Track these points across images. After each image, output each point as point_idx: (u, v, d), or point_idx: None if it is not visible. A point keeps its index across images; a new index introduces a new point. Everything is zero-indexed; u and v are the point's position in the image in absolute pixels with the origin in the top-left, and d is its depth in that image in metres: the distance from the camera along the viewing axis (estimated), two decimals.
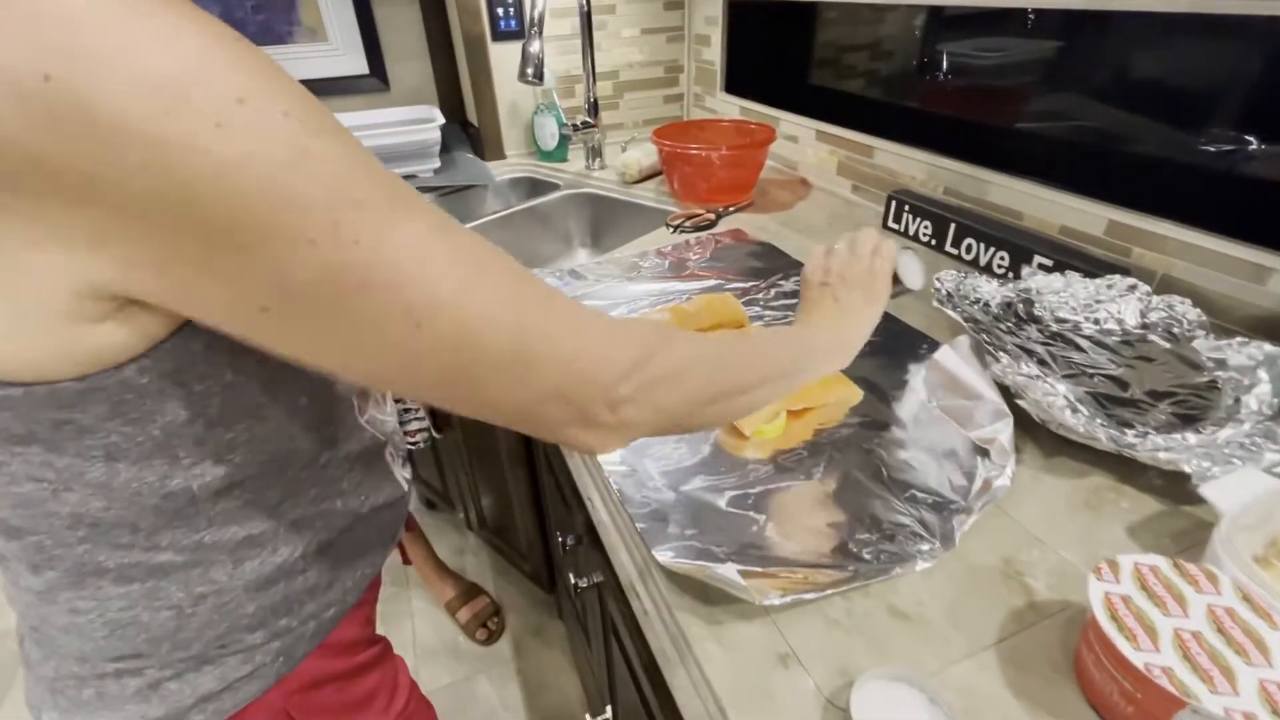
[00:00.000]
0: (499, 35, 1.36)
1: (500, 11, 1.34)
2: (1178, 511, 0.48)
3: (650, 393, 0.33)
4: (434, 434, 1.30)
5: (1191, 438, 0.47)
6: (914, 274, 0.58)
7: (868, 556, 0.45)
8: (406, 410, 1.24)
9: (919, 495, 0.50)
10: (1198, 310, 0.65)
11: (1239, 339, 0.59)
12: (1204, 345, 0.62)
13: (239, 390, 0.34)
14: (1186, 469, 0.46)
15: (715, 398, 0.37)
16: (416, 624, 1.42)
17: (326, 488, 0.43)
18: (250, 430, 0.36)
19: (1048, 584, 0.43)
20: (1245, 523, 0.39)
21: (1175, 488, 0.50)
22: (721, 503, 0.51)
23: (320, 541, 0.43)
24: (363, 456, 0.46)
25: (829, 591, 0.42)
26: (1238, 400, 0.52)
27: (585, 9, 1.25)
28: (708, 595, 0.43)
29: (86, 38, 0.21)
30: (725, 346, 0.39)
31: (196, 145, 0.22)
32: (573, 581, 0.70)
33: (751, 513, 0.49)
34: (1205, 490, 0.42)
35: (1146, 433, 0.51)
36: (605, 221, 1.35)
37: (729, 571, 0.41)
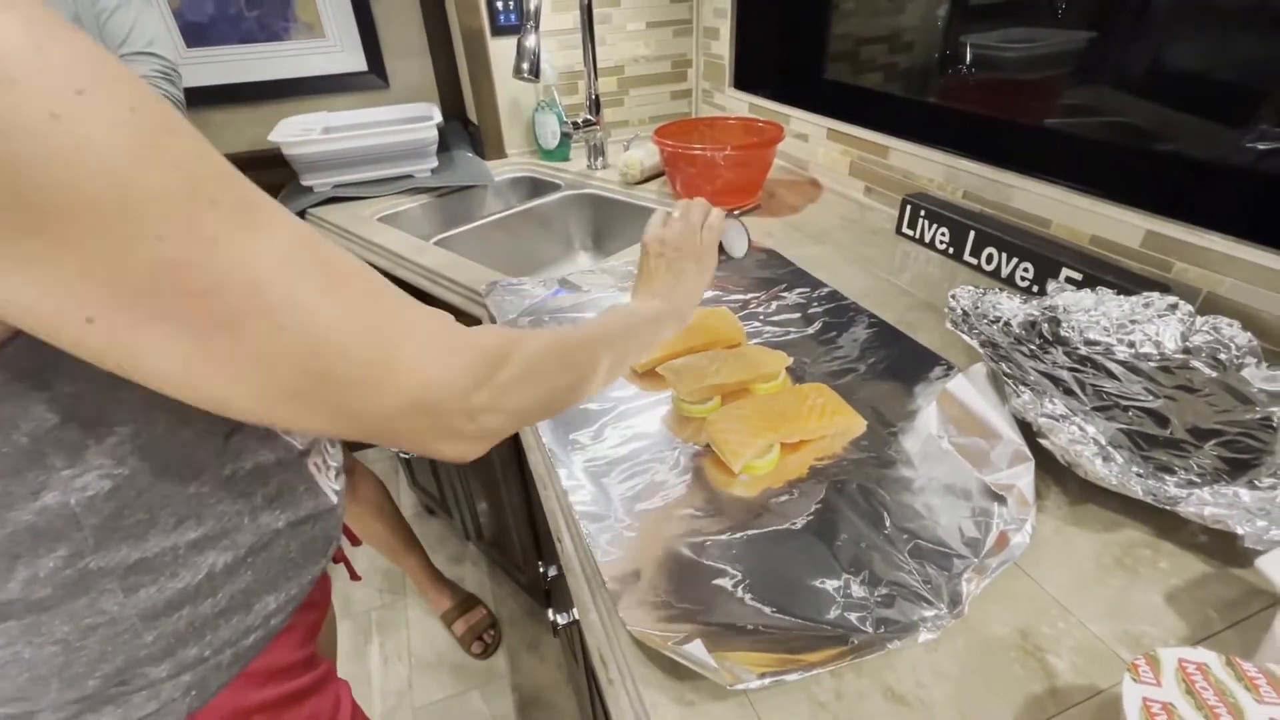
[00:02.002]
0: (498, 30, 1.31)
1: (499, 5, 1.29)
2: (1226, 575, 0.42)
3: (504, 398, 0.34)
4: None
5: (1245, 494, 0.41)
6: (739, 245, 0.68)
7: (862, 625, 0.39)
8: None
9: (925, 547, 0.45)
10: (1248, 334, 0.58)
11: None
12: (1255, 375, 0.55)
13: (118, 389, 0.30)
14: (1240, 530, 0.39)
15: (566, 387, 0.40)
16: (412, 634, 1.39)
17: (233, 502, 0.39)
18: (137, 436, 0.33)
19: (1072, 664, 0.37)
20: None
21: (1223, 546, 0.44)
22: (700, 554, 0.45)
23: (229, 562, 0.39)
24: (278, 467, 0.42)
25: (815, 670, 0.36)
26: (1269, 420, 0.46)
27: (585, 1, 1.19)
28: (677, 670, 0.38)
29: None
30: (566, 336, 0.41)
31: (24, 129, 0.20)
32: (552, 618, 0.65)
33: (732, 567, 0.44)
34: (1263, 565, 0.36)
35: (1190, 482, 0.45)
36: (607, 224, 1.30)
37: (697, 650, 0.36)
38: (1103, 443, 0.46)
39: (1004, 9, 0.88)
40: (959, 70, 0.97)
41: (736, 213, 1.06)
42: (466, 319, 0.90)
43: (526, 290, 0.84)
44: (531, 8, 1.04)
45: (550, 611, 0.66)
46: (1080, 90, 0.81)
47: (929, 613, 0.40)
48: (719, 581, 0.43)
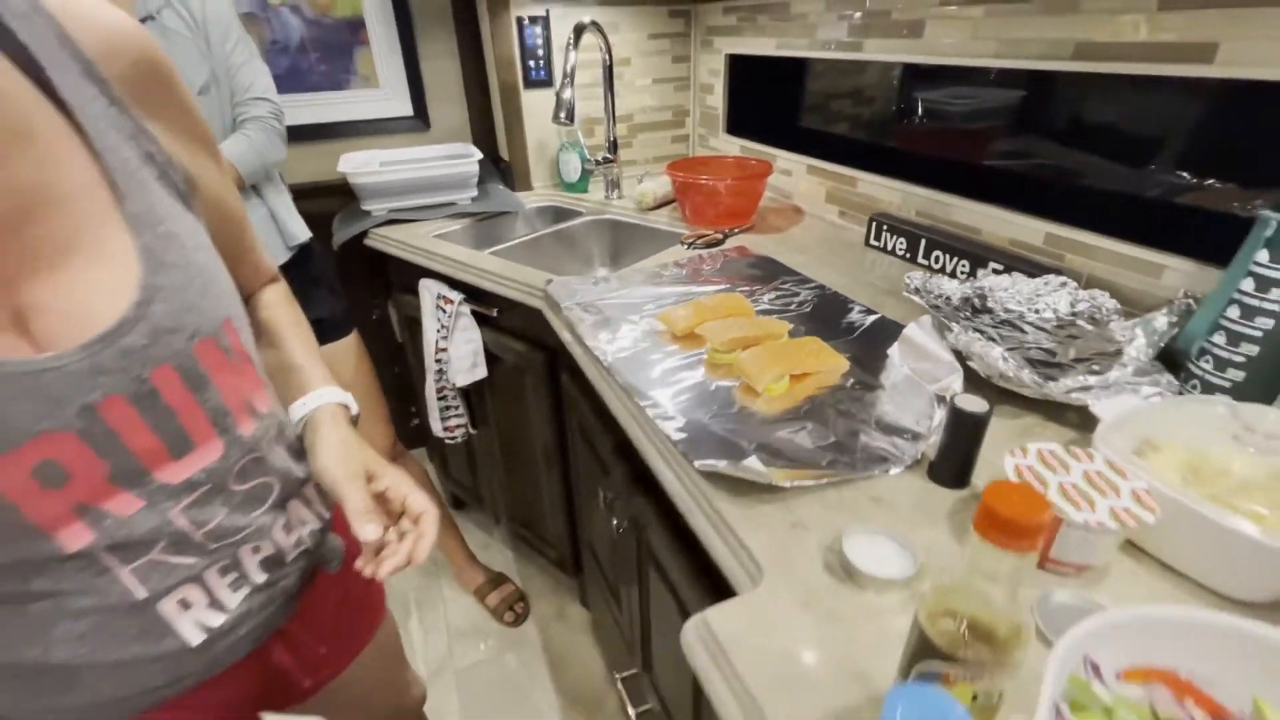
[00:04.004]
0: (530, 84, 1.56)
1: (531, 64, 1.54)
2: (1086, 439, 0.64)
3: None
4: (470, 429, 1.44)
5: (1092, 379, 0.63)
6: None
7: (852, 464, 0.60)
8: (447, 407, 1.39)
9: (892, 426, 0.66)
10: (1114, 301, 0.81)
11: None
12: (1117, 326, 0.78)
13: None
14: (1089, 401, 0.62)
15: None
16: (448, 609, 1.54)
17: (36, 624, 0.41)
18: None
19: (986, 479, 0.59)
20: (1120, 426, 0.55)
21: (1087, 424, 0.66)
22: (736, 436, 0.66)
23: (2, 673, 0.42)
24: (98, 611, 0.42)
25: (824, 481, 0.57)
26: (1119, 350, 0.68)
27: (607, 63, 1.45)
28: (734, 488, 0.58)
29: None
30: None
31: None
32: (615, 523, 0.84)
33: (757, 444, 0.65)
34: (1094, 408, 0.58)
35: (1062, 379, 0.67)
36: (623, 244, 1.53)
37: (754, 462, 0.56)
38: (1004, 355, 0.69)
39: (947, 72, 1.15)
40: (912, 120, 1.23)
41: (736, 231, 1.30)
42: (525, 309, 1.11)
43: (574, 285, 1.05)
44: (568, 69, 1.29)
45: (614, 521, 0.85)
46: (1004, 134, 1.07)
47: (895, 457, 0.61)
48: (749, 453, 0.63)
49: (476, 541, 1.72)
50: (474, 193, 1.53)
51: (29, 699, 0.43)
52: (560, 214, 1.61)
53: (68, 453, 0.39)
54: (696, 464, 0.60)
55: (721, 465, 0.59)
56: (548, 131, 1.63)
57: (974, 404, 0.55)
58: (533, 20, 1.49)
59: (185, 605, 0.46)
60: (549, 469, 1.32)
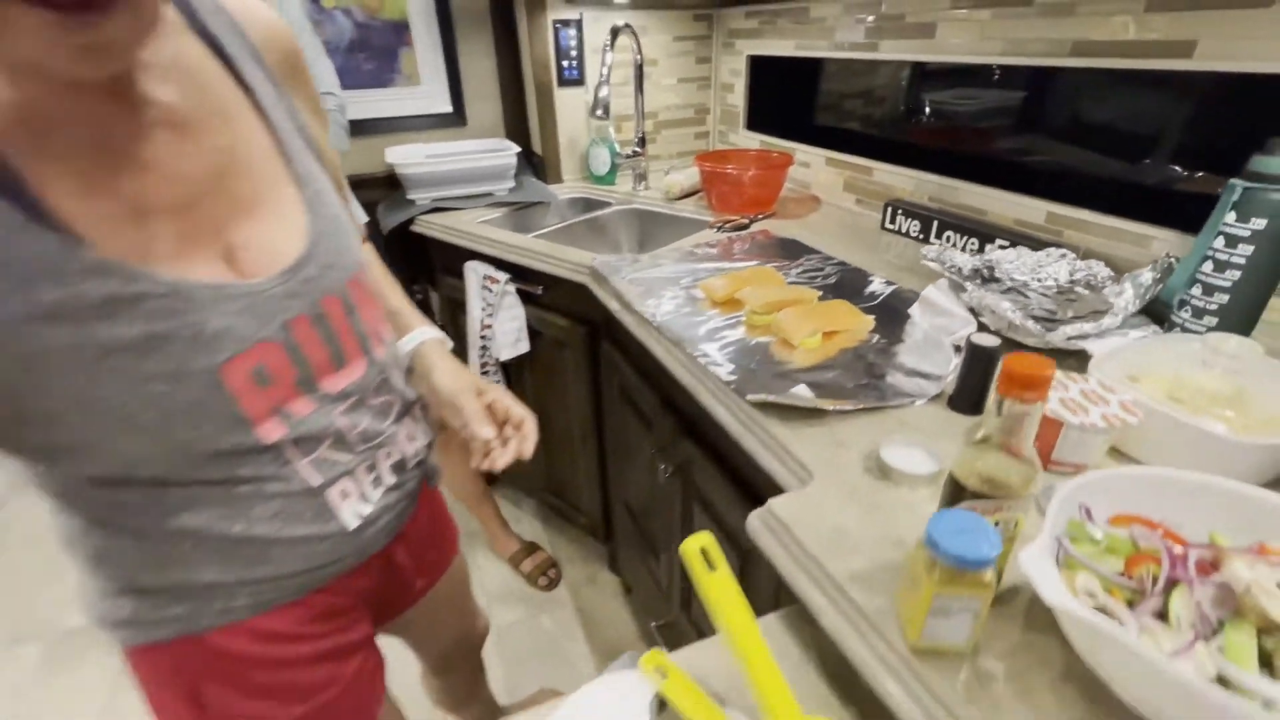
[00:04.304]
0: (563, 82, 1.67)
1: (565, 64, 1.65)
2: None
3: None
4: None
5: (1087, 327, 0.73)
6: None
7: (884, 397, 0.70)
8: (484, 374, 1.49)
9: (916, 373, 0.76)
10: (1108, 269, 0.92)
11: None
12: (1110, 289, 0.89)
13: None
14: (1085, 345, 0.72)
15: None
16: (484, 575, 1.64)
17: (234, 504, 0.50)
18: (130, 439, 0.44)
19: None
20: (1111, 359, 0.65)
21: (1085, 367, 0.75)
22: (783, 377, 0.76)
23: (214, 546, 0.51)
24: (285, 497, 0.52)
25: (861, 407, 0.67)
26: (1101, 291, 0.79)
27: (638, 63, 1.56)
28: (782, 416, 0.68)
29: None
30: None
31: None
32: (662, 468, 0.94)
33: (804, 380, 0.75)
34: (1087, 345, 0.68)
35: (1061, 328, 0.77)
36: (650, 231, 1.63)
37: (802, 390, 0.66)
38: (1017, 311, 0.79)
39: (954, 74, 1.25)
40: (922, 118, 1.34)
41: (760, 217, 1.40)
42: (570, 285, 1.21)
43: (617, 263, 1.15)
44: (606, 68, 1.40)
45: (661, 467, 0.95)
46: (1008, 129, 1.18)
47: (919, 393, 0.71)
48: (794, 389, 0.73)
49: (507, 514, 1.81)
50: (511, 184, 1.63)
51: (233, 570, 0.53)
52: (590, 204, 1.71)
53: (272, 359, 0.49)
54: (749, 397, 0.70)
55: (772, 396, 0.69)
56: (578, 127, 1.73)
57: (987, 340, 0.65)
58: (567, 23, 1.60)
59: (344, 495, 0.56)
60: (584, 438, 1.41)
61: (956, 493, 0.44)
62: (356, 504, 0.58)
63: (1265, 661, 0.36)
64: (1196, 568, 0.40)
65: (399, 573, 0.69)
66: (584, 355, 1.30)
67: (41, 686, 1.46)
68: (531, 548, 1.66)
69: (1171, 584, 0.39)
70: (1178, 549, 0.41)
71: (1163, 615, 0.39)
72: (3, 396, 0.40)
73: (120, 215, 0.41)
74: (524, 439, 0.64)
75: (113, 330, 0.40)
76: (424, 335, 0.69)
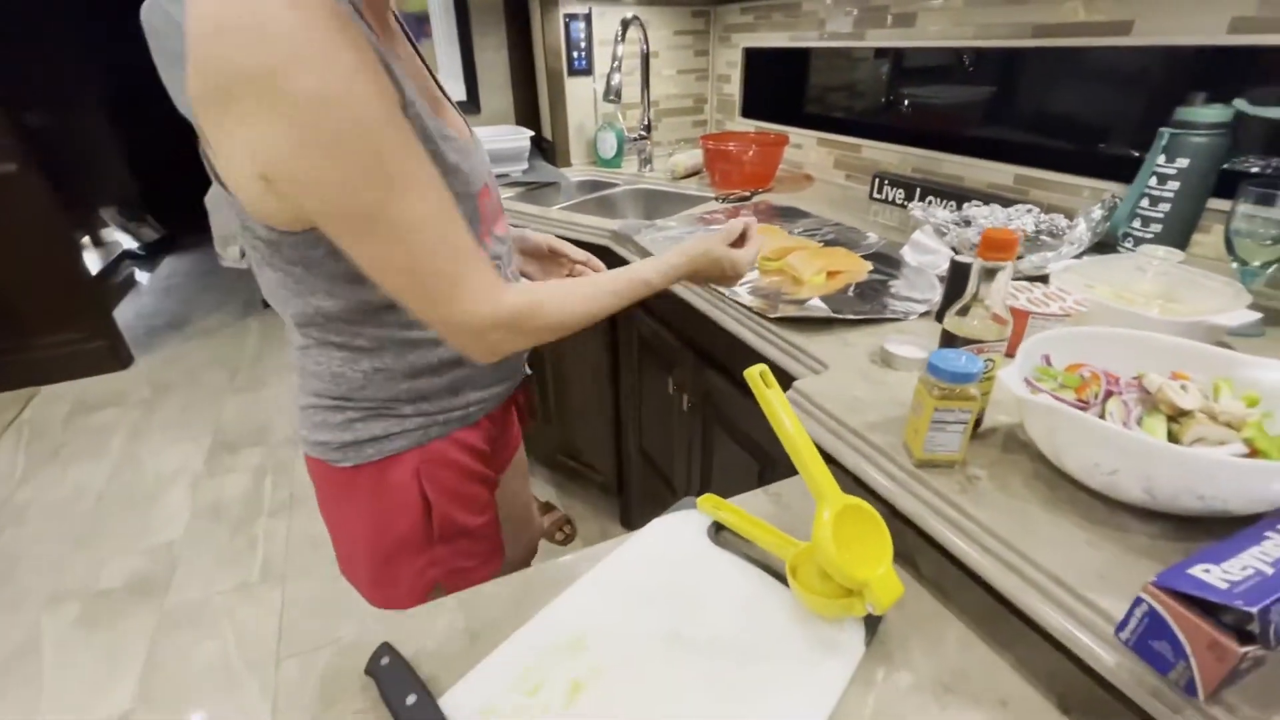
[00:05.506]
0: (573, 72, 1.79)
1: (575, 54, 1.78)
2: None
3: (514, 338, 0.57)
4: (527, 369, 1.65)
5: (1049, 254, 0.88)
6: None
7: (883, 312, 0.84)
8: None
9: (909, 299, 0.89)
10: (1067, 220, 1.06)
11: None
12: (1071, 233, 1.03)
13: None
14: (1048, 269, 0.86)
15: (563, 328, 0.61)
16: None
17: None
18: None
19: None
20: (1066, 272, 0.79)
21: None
22: (796, 304, 0.89)
23: (445, 358, 0.66)
24: None
25: (864, 317, 0.80)
26: (1062, 238, 0.93)
27: (645, 53, 1.69)
28: (798, 328, 0.81)
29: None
30: (574, 290, 0.61)
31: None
32: (685, 400, 1.06)
33: (818, 302, 0.88)
34: (1050, 269, 0.82)
35: (1029, 257, 0.92)
36: (656, 208, 1.76)
37: (816, 303, 0.79)
38: None
39: (933, 61, 1.40)
40: (902, 102, 1.48)
41: (759, 192, 1.54)
42: (591, 248, 1.33)
43: (635, 224, 1.28)
44: (617, 57, 1.53)
45: (684, 397, 1.07)
46: (980, 112, 1.33)
47: (911, 311, 0.84)
48: (808, 304, 0.86)
49: None
50: (525, 165, 1.75)
51: (460, 381, 0.69)
52: (598, 185, 1.84)
53: (487, 197, 0.65)
54: (772, 315, 0.83)
55: (792, 310, 0.81)
56: (586, 114, 1.86)
57: (967, 258, 0.78)
58: (576, 17, 1.73)
59: None
60: (600, 395, 1.53)
61: (948, 343, 0.57)
62: None
63: (1173, 439, 0.49)
64: (1125, 385, 0.53)
65: (510, 422, 0.85)
66: None
67: (82, 643, 1.53)
68: (547, 506, 1.76)
69: (1109, 396, 0.53)
70: (1114, 377, 0.55)
71: (1101, 417, 0.52)
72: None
73: (414, 84, 0.55)
74: (595, 266, 0.90)
75: (439, 157, 0.55)
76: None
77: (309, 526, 1.87)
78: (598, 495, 1.83)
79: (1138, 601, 0.37)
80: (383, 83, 0.48)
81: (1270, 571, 0.35)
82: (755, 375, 0.51)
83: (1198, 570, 0.36)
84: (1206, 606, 0.34)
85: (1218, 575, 0.36)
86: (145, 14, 1.16)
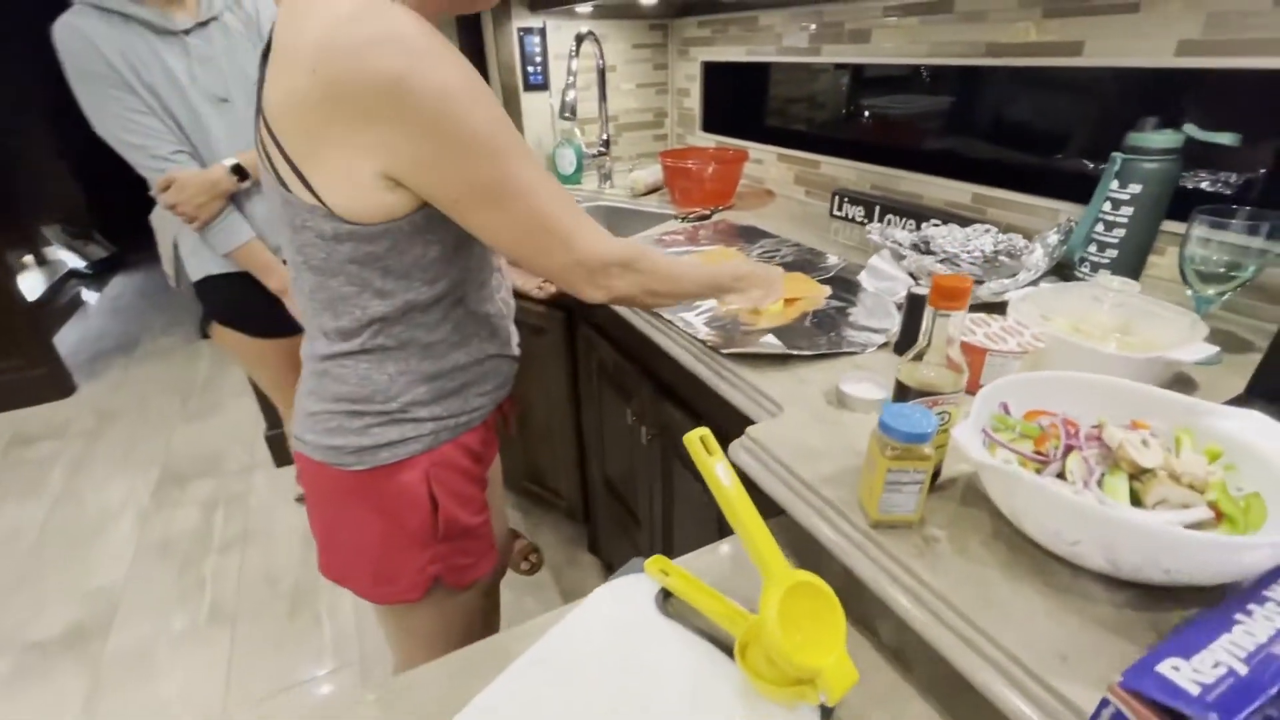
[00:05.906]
0: (529, 87, 1.75)
1: (530, 69, 1.73)
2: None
3: (625, 275, 0.64)
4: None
5: (1007, 282, 0.86)
6: None
7: (840, 344, 0.81)
8: None
9: (867, 328, 0.87)
10: (1025, 240, 1.05)
11: None
12: (1029, 259, 1.02)
13: (446, 245, 0.62)
14: (1006, 296, 0.84)
15: (660, 292, 0.69)
16: None
17: (473, 327, 0.70)
18: (445, 273, 0.63)
19: None
20: (1024, 302, 0.77)
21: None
22: (752, 336, 0.86)
23: (459, 363, 0.70)
24: (493, 318, 0.73)
25: (819, 353, 0.77)
26: (1020, 258, 0.92)
27: (601, 67, 1.66)
28: (752, 365, 0.78)
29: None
30: (674, 264, 0.70)
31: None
32: (645, 433, 1.02)
33: (766, 339, 0.85)
34: (1007, 297, 0.80)
35: (987, 284, 0.90)
36: (619, 225, 1.72)
37: (771, 339, 0.76)
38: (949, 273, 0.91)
39: (891, 75, 1.39)
40: (860, 119, 1.47)
41: (720, 209, 1.51)
42: None
43: None
44: (572, 72, 1.49)
45: (644, 430, 1.03)
46: (937, 126, 1.32)
47: (869, 344, 0.81)
48: (763, 339, 0.83)
49: None
50: None
51: (474, 383, 0.73)
52: None
53: None
54: (724, 351, 0.80)
55: (746, 348, 0.78)
56: (544, 130, 1.81)
57: (923, 290, 0.76)
58: (531, 31, 1.69)
59: (510, 331, 0.78)
60: (563, 421, 1.48)
61: (902, 393, 0.54)
62: (514, 347, 0.79)
63: (1136, 500, 0.47)
64: (1085, 437, 0.50)
65: (501, 420, 0.85)
66: (562, 339, 1.37)
67: (10, 702, 1.43)
68: (514, 534, 1.71)
69: (1069, 451, 0.50)
70: (1073, 427, 0.52)
71: (1062, 476, 0.49)
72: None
73: None
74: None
75: None
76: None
77: (263, 562, 1.79)
78: (564, 522, 1.78)
79: (1104, 703, 0.34)
80: (474, 70, 0.55)
81: (1244, 671, 0.32)
82: (695, 441, 0.48)
83: (1166, 668, 0.33)
84: (1178, 716, 0.31)
85: (1188, 675, 0.32)
86: (58, 33, 1.09)
